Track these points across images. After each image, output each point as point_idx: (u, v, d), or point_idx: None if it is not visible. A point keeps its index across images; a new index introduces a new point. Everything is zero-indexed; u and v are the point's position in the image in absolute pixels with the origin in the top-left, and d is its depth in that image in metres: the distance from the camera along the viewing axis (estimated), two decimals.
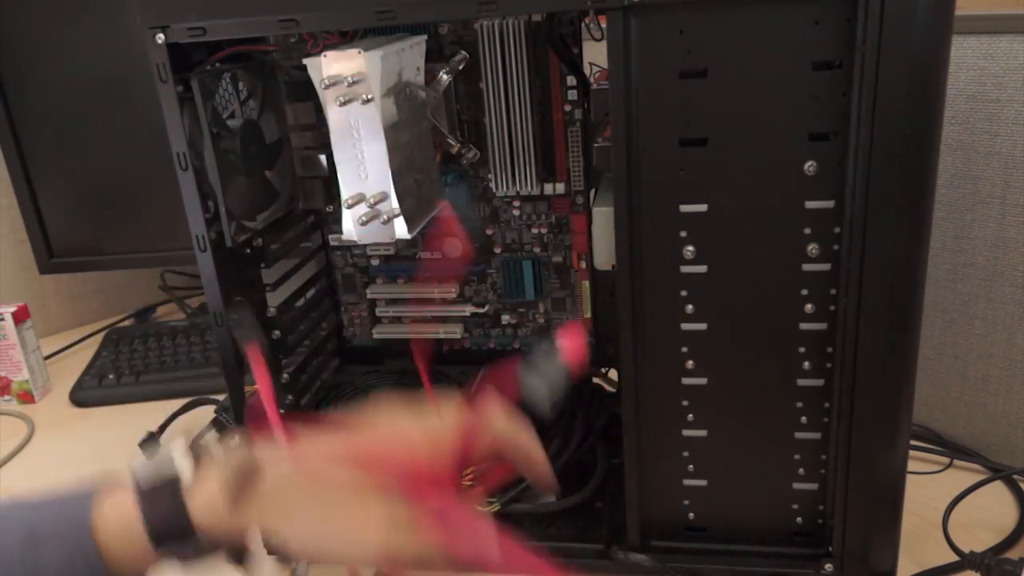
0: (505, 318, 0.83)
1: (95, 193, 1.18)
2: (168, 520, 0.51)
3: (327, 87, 0.60)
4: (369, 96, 0.59)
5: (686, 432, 0.64)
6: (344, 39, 0.66)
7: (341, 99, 0.60)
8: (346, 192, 0.63)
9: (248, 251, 0.72)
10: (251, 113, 0.70)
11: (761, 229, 0.58)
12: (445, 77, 0.71)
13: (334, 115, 0.61)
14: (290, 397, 0.78)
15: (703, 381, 0.62)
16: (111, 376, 1.11)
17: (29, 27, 1.11)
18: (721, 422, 0.63)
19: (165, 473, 0.50)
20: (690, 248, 0.59)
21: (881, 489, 0.61)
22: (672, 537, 0.67)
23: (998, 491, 0.77)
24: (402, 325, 0.85)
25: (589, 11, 0.59)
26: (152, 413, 1.00)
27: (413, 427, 0.52)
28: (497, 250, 0.81)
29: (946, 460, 0.81)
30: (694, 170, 0.57)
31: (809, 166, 0.56)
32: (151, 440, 0.94)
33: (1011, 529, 0.71)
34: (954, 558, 0.66)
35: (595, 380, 0.87)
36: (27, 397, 1.10)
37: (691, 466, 0.65)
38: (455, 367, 0.84)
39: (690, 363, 0.62)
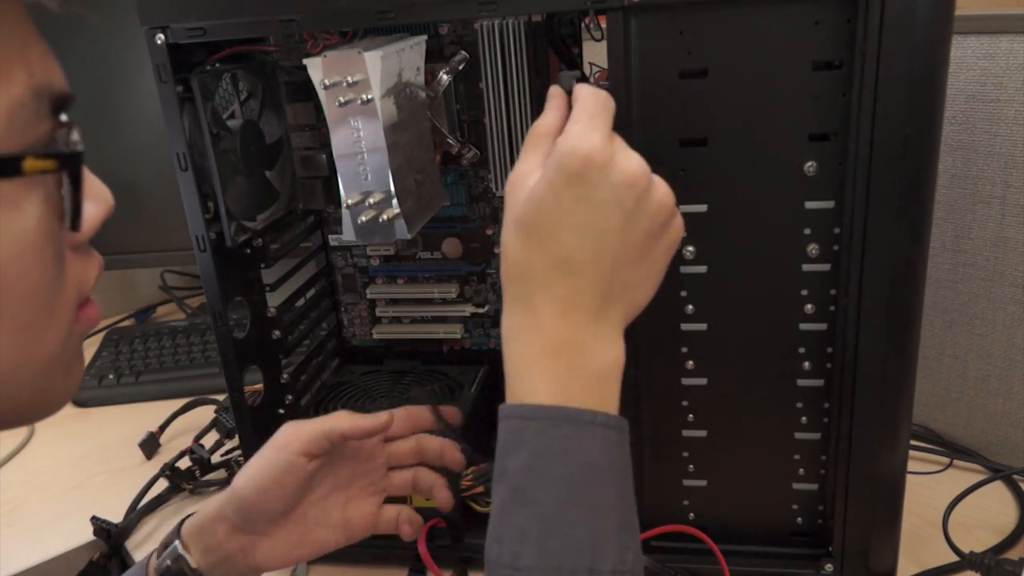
0: None
1: None
2: (171, 556, 0.56)
3: (327, 87, 0.59)
4: (369, 96, 0.59)
5: (686, 432, 0.64)
6: (344, 39, 0.66)
7: (341, 99, 0.59)
8: (346, 192, 0.63)
9: (248, 251, 0.72)
10: (251, 113, 0.70)
11: (761, 229, 0.58)
12: (445, 77, 0.71)
13: (334, 115, 0.61)
14: (290, 397, 0.78)
15: (703, 381, 0.62)
16: (111, 376, 1.11)
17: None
18: (721, 422, 0.63)
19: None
20: (690, 248, 0.59)
21: (881, 489, 0.61)
22: (672, 537, 0.67)
23: (998, 491, 0.77)
24: (402, 325, 0.85)
25: (589, 11, 0.59)
26: (152, 413, 1.00)
27: None
28: (497, 250, 0.81)
29: (946, 460, 0.81)
30: (694, 170, 0.57)
31: (809, 166, 0.56)
32: (151, 440, 0.94)
33: (1011, 529, 0.72)
34: (954, 558, 0.66)
35: None
36: None
37: (691, 466, 0.65)
38: (455, 367, 0.84)
39: (690, 363, 0.62)
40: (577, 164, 0.43)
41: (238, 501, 0.55)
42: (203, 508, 0.57)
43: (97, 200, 0.39)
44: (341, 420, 0.56)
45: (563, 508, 0.41)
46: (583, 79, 0.49)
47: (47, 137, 0.36)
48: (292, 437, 0.55)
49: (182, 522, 0.57)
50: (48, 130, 0.36)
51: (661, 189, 0.46)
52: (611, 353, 0.45)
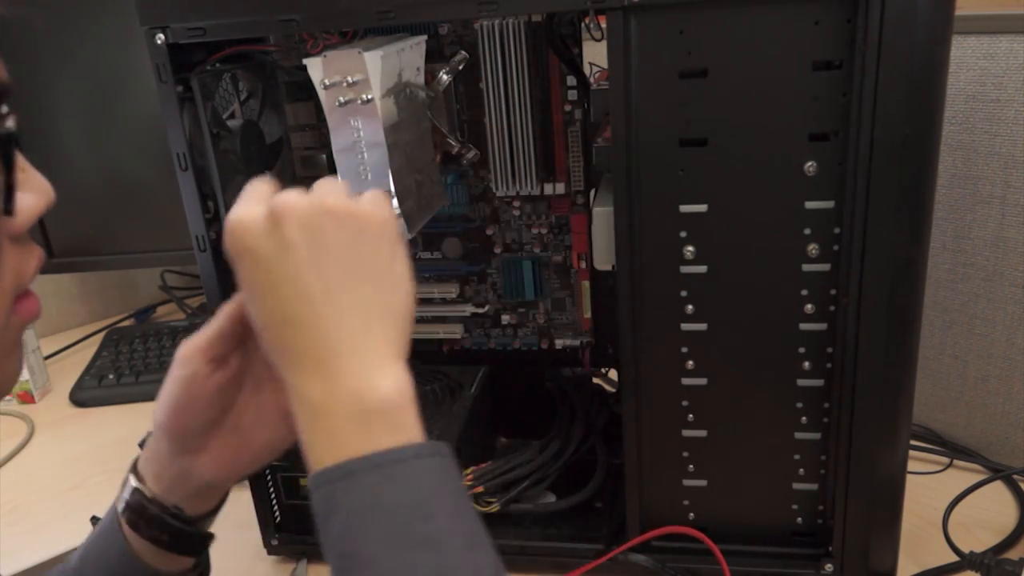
0: (505, 318, 0.83)
1: (95, 193, 1.18)
2: (128, 489, 0.55)
3: (327, 87, 0.59)
4: (369, 96, 0.59)
5: (686, 432, 0.64)
6: (344, 39, 0.66)
7: (341, 99, 0.59)
8: None
9: None
10: (251, 113, 0.70)
11: (761, 229, 0.58)
12: (445, 77, 0.71)
13: (334, 115, 0.61)
14: None
15: (703, 381, 0.62)
16: (111, 376, 1.11)
17: (29, 27, 1.11)
18: (721, 422, 0.63)
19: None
20: (690, 248, 0.59)
21: (881, 489, 0.61)
22: (672, 537, 0.67)
23: (998, 491, 0.77)
24: None
25: (589, 11, 0.59)
26: (152, 413, 1.00)
27: None
28: (497, 250, 0.81)
29: (946, 460, 0.81)
30: (694, 170, 0.57)
31: (809, 166, 0.56)
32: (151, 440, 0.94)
33: (1011, 529, 0.71)
34: (954, 558, 0.66)
35: (595, 380, 0.87)
36: (27, 397, 1.10)
37: (691, 466, 0.65)
38: (455, 367, 0.84)
39: (690, 363, 0.62)
40: (230, 242, 0.44)
41: (160, 428, 0.54)
42: (150, 455, 0.56)
43: (37, 193, 0.40)
44: (226, 309, 0.53)
45: (395, 558, 0.39)
46: None
47: None
48: (189, 349, 0.52)
49: (138, 457, 0.57)
50: None
51: (295, 213, 0.44)
52: (385, 383, 0.41)
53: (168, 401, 0.53)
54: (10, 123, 0.38)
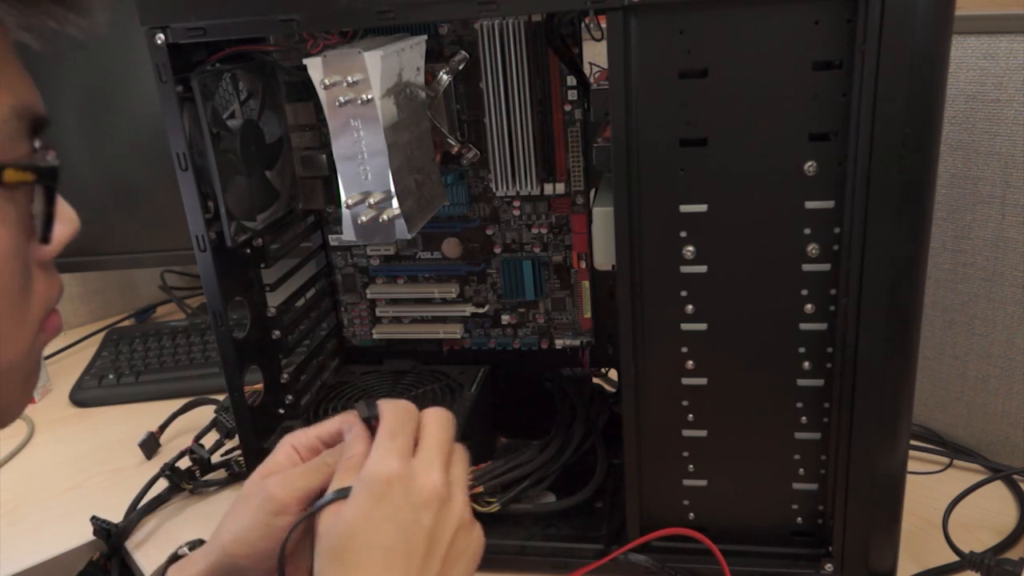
0: (505, 318, 0.83)
1: (95, 193, 1.18)
2: None
3: (327, 87, 0.59)
4: (369, 96, 0.59)
5: (686, 432, 0.64)
6: (344, 39, 0.66)
7: (341, 99, 0.59)
8: (346, 192, 0.63)
9: (248, 251, 0.72)
10: (251, 113, 0.70)
11: (761, 229, 0.58)
12: (445, 77, 0.71)
13: (334, 115, 0.61)
14: (290, 397, 0.78)
15: (703, 381, 0.62)
16: (111, 376, 1.11)
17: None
18: (721, 422, 0.63)
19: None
20: (690, 248, 0.59)
21: (881, 489, 0.61)
22: (672, 537, 0.67)
23: (998, 491, 0.77)
24: (402, 325, 0.85)
25: (589, 11, 0.59)
26: (152, 413, 1.00)
27: None
28: (497, 250, 0.81)
29: (946, 460, 0.81)
30: (694, 170, 0.57)
31: (809, 166, 0.56)
32: (151, 440, 0.94)
33: (1011, 529, 0.71)
34: (954, 558, 0.66)
35: (595, 380, 0.87)
36: None
37: (691, 466, 0.65)
38: (455, 367, 0.84)
39: (690, 363, 0.62)
40: (381, 487, 0.47)
41: (239, 569, 0.53)
42: (190, 566, 0.55)
43: (65, 221, 0.41)
44: (319, 463, 0.54)
45: None
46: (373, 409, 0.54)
47: (25, 155, 0.38)
48: (286, 497, 0.52)
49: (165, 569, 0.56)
50: (27, 150, 0.38)
51: (459, 504, 0.50)
52: None
53: (259, 549, 0.53)
54: (51, 156, 0.40)
